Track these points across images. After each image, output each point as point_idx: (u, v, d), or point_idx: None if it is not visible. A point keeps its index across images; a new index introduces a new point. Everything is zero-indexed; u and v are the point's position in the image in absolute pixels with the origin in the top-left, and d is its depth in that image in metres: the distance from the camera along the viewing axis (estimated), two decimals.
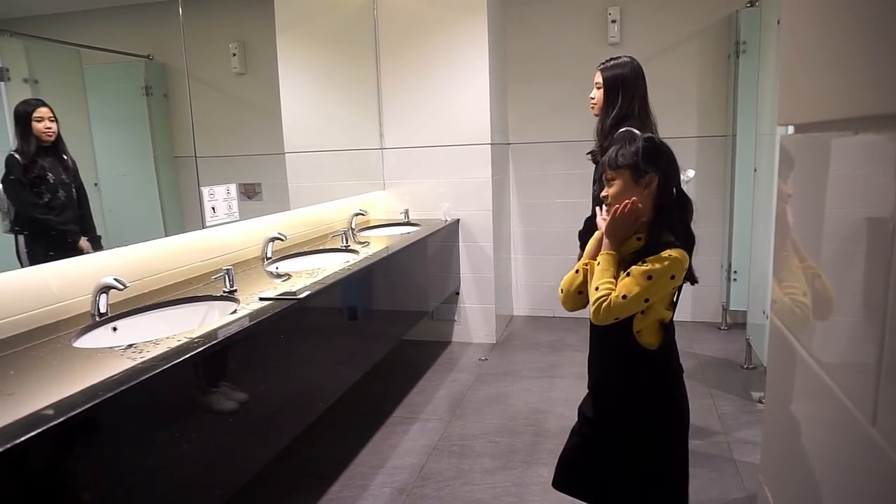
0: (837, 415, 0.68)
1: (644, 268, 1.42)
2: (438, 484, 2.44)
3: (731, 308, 4.01)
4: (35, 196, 1.84)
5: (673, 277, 1.44)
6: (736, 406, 3.00)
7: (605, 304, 1.44)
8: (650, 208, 1.48)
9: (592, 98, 2.41)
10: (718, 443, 2.65)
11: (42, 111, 1.81)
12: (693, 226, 1.55)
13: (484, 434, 2.84)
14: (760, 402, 3.02)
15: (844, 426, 0.66)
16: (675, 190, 1.52)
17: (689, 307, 4.36)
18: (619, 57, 2.36)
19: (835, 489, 0.71)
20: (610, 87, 2.32)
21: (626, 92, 2.31)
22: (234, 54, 2.76)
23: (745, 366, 3.48)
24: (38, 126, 1.80)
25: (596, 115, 2.44)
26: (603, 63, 2.38)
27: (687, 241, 1.52)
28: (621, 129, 2.22)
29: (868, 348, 0.60)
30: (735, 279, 3.87)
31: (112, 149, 2.16)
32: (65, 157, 1.90)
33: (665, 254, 1.44)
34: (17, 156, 1.77)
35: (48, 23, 1.94)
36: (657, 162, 1.47)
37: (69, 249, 1.91)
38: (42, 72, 1.88)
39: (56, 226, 1.90)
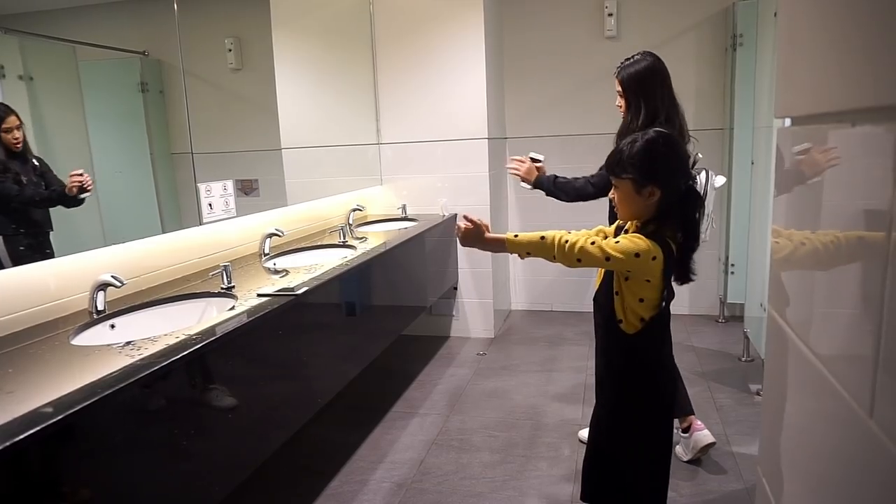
0: (835, 406, 0.68)
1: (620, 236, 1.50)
2: (438, 478, 2.45)
3: (728, 301, 4.01)
4: (6, 203, 1.80)
5: (637, 255, 1.44)
6: (734, 398, 3.01)
7: (573, 243, 1.47)
8: (654, 209, 1.50)
9: (619, 105, 2.32)
10: (716, 435, 2.65)
11: (11, 120, 1.76)
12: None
13: (483, 428, 2.85)
14: (758, 394, 3.03)
15: (842, 418, 0.66)
16: (685, 188, 1.51)
17: (686, 300, 4.37)
18: (633, 56, 2.26)
19: (832, 480, 0.71)
20: (627, 89, 2.23)
21: (646, 91, 2.20)
22: (230, 50, 2.75)
23: (743, 358, 3.49)
24: (6, 137, 1.76)
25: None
26: (617, 67, 2.28)
27: (687, 236, 1.52)
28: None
29: (865, 340, 0.61)
30: (733, 272, 3.87)
31: (108, 146, 2.15)
32: (34, 161, 1.85)
33: (636, 235, 1.48)
34: None
35: (43, 19, 1.93)
36: (656, 174, 1.46)
37: (44, 250, 1.88)
38: (37, 69, 1.87)
39: (30, 228, 1.87)
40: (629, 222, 1.58)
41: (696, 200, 1.52)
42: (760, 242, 3.08)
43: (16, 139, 1.78)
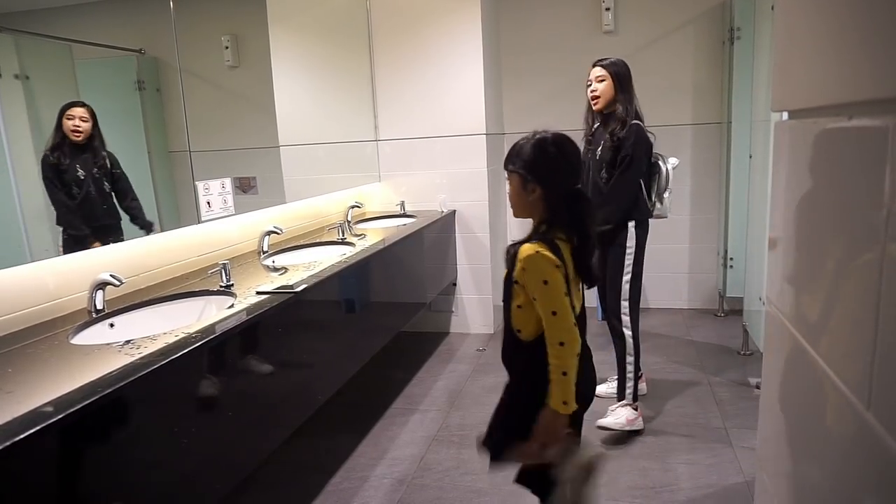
0: (833, 399, 0.69)
1: (534, 295, 1.43)
2: (438, 474, 2.45)
3: (727, 295, 4.02)
4: (65, 192, 1.91)
5: (558, 266, 1.42)
6: (733, 392, 3.02)
7: (557, 341, 1.43)
8: (542, 209, 1.51)
9: (595, 91, 2.59)
10: (716, 428, 2.67)
11: (74, 111, 1.91)
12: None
13: (483, 424, 2.82)
14: (758, 387, 3.03)
15: (840, 411, 0.67)
16: (570, 191, 1.51)
17: (685, 294, 4.38)
18: (611, 58, 2.61)
19: (831, 473, 0.71)
20: (616, 79, 2.55)
21: (629, 85, 2.57)
22: (227, 47, 2.74)
23: (742, 352, 3.50)
24: (67, 124, 1.89)
25: (598, 108, 2.62)
26: (600, 60, 2.59)
27: (581, 239, 1.51)
28: (632, 123, 2.52)
29: (862, 333, 0.61)
30: (731, 266, 3.88)
31: (106, 144, 2.14)
32: (101, 154, 2.01)
33: (518, 266, 1.45)
34: (49, 155, 1.87)
35: (39, 18, 1.92)
36: (540, 174, 1.49)
37: (100, 240, 2.00)
38: (34, 68, 1.86)
39: (83, 220, 1.98)
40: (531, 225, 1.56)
41: (582, 203, 1.52)
42: (759, 236, 3.08)
43: (76, 127, 1.90)
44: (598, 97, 2.58)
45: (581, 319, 1.53)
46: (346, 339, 2.59)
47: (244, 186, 2.80)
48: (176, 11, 2.29)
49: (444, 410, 3.02)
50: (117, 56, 2.19)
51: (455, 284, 4.11)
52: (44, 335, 1.66)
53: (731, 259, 3.87)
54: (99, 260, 1.96)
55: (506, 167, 1.56)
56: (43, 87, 1.91)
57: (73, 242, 1.91)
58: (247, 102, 2.96)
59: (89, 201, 1.98)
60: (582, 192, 1.55)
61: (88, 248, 1.94)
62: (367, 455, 2.63)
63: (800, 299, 0.84)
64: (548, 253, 1.43)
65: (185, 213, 2.41)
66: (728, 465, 2.40)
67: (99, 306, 1.84)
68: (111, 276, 1.83)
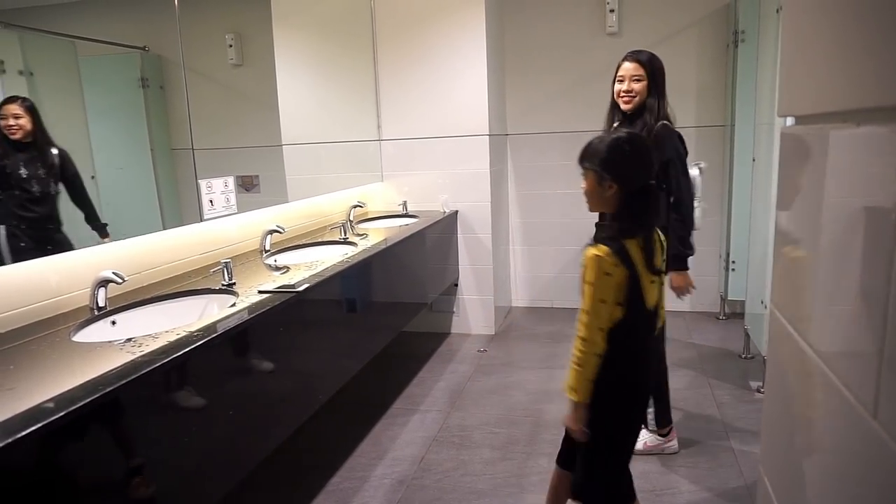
0: (837, 406, 0.68)
1: (584, 282, 1.53)
2: (438, 475, 2.45)
3: (729, 298, 4.01)
4: (7, 193, 1.80)
5: (608, 274, 1.50)
6: (734, 396, 3.01)
7: (581, 335, 1.53)
8: (615, 204, 1.57)
9: (630, 91, 2.27)
10: (717, 432, 2.66)
11: (6, 108, 1.76)
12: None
13: (483, 425, 2.85)
14: (759, 391, 3.03)
15: (845, 418, 0.66)
16: (645, 186, 1.56)
17: (687, 297, 4.36)
18: (647, 50, 2.31)
19: (835, 480, 0.71)
20: (651, 73, 2.24)
21: (664, 85, 2.28)
22: (231, 45, 2.74)
23: (744, 355, 3.49)
24: (1, 123, 1.76)
25: (629, 109, 2.29)
26: (635, 53, 2.28)
27: (648, 233, 1.59)
28: (661, 123, 2.24)
29: (869, 339, 0.60)
30: (733, 269, 3.87)
31: (109, 141, 2.14)
32: (52, 152, 1.87)
33: (585, 259, 1.53)
34: None
35: (43, 14, 1.92)
36: (618, 171, 1.55)
37: (45, 244, 1.87)
38: (37, 64, 1.86)
39: (26, 220, 1.86)
40: (600, 218, 1.68)
41: (648, 199, 1.58)
42: (761, 239, 3.07)
43: (8, 126, 1.77)
44: (633, 97, 2.26)
45: (653, 316, 1.62)
46: (348, 339, 2.59)
47: (247, 185, 2.80)
48: (180, 9, 2.29)
49: (444, 411, 3.02)
50: (121, 53, 2.19)
51: (456, 285, 4.11)
52: (46, 332, 1.65)
53: (734, 262, 3.86)
54: (101, 257, 1.96)
55: (581, 164, 1.61)
56: (47, 83, 1.91)
57: (14, 243, 1.78)
58: (250, 101, 2.96)
59: (33, 202, 1.86)
60: (653, 187, 1.61)
61: (27, 252, 1.80)
62: (367, 455, 2.63)
63: (805, 304, 0.83)
64: (608, 257, 1.50)
65: (187, 211, 2.41)
66: (729, 468, 2.39)
67: (101, 304, 1.83)
68: (113, 273, 1.83)
